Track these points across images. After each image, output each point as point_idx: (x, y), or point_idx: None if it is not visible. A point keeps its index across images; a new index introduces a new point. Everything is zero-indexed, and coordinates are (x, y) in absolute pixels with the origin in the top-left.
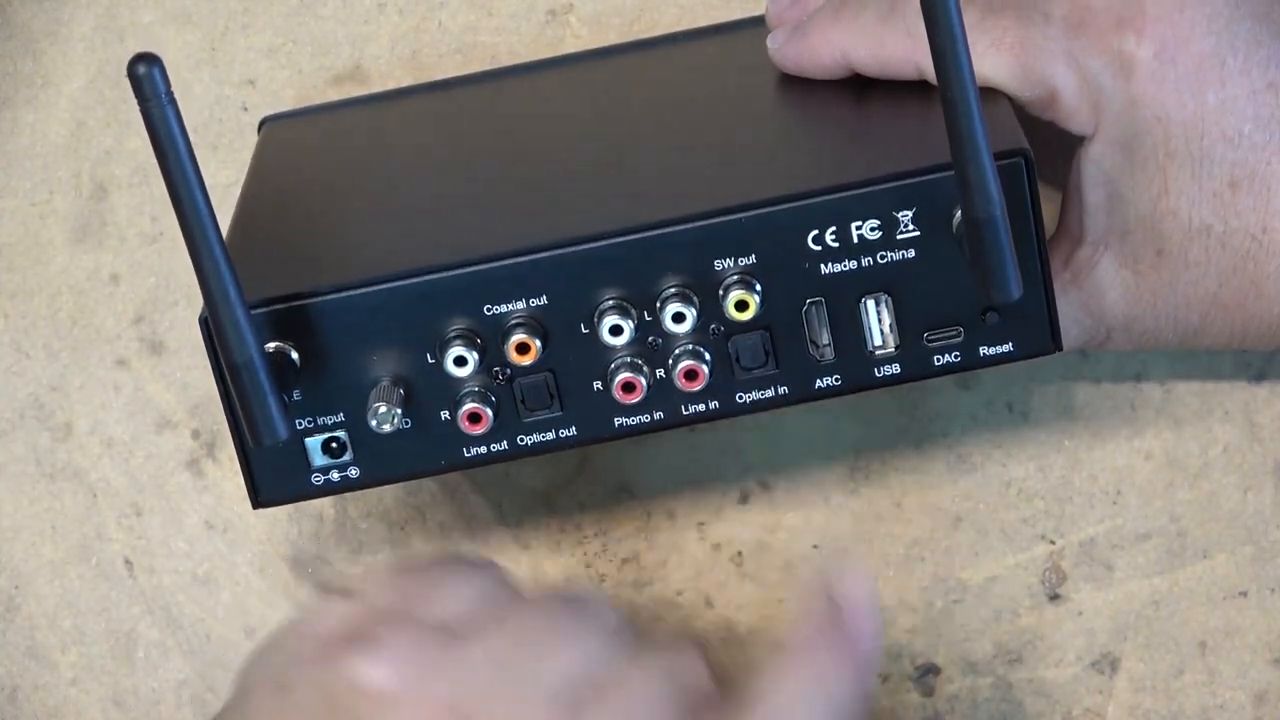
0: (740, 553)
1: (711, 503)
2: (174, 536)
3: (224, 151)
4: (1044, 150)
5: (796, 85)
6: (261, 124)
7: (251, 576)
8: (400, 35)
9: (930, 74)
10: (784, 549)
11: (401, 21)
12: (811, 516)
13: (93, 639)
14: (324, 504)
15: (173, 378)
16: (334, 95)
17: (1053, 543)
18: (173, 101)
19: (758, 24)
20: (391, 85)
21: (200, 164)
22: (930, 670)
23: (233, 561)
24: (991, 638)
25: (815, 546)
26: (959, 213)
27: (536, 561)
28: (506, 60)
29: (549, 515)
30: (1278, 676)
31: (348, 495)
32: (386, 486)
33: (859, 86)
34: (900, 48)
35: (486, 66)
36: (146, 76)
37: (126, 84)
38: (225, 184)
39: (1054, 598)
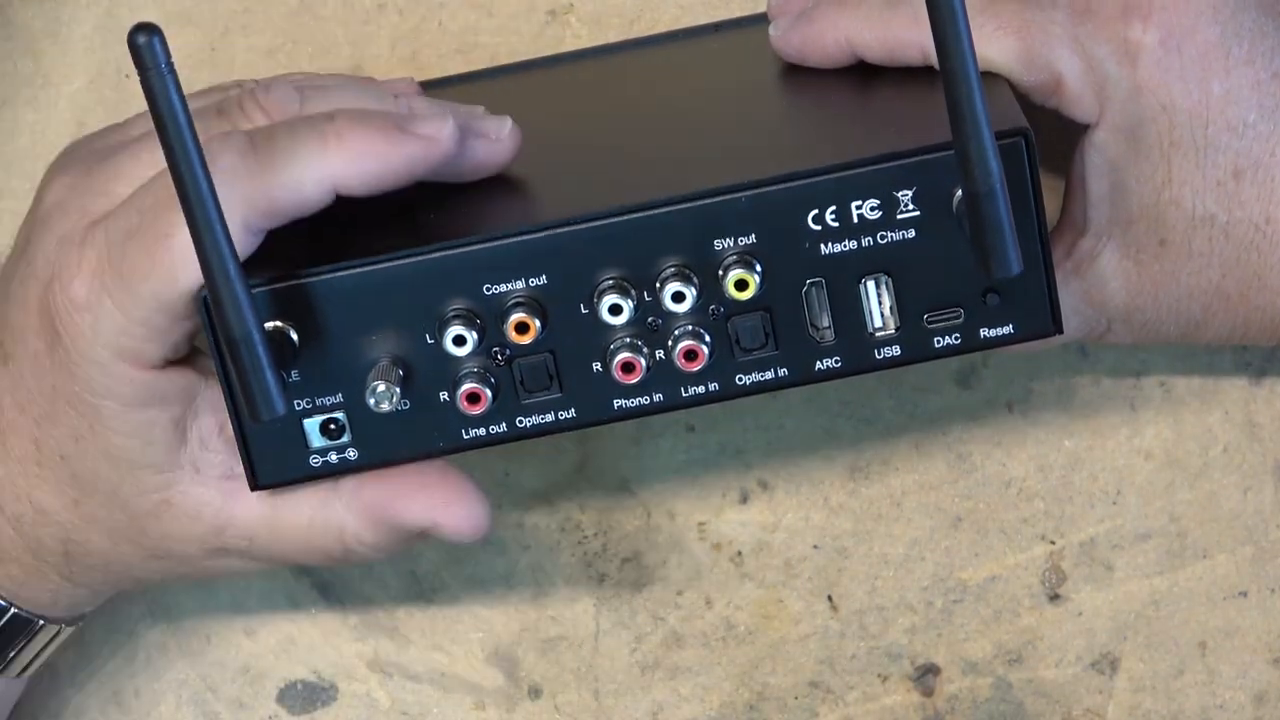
0: (740, 553)
1: (711, 503)
2: None
3: None
4: (1045, 145)
5: (798, 72)
6: None
7: (251, 576)
8: (400, 36)
9: (935, 58)
10: (784, 549)
11: (401, 22)
12: (811, 516)
13: (93, 639)
14: None
15: None
16: None
17: (1053, 543)
18: (173, 71)
19: (759, 20)
20: None
21: None
22: (930, 670)
23: None
24: (991, 638)
25: (815, 546)
26: (959, 192)
27: (536, 561)
28: (506, 61)
29: (549, 515)
30: (1278, 676)
31: None
32: None
33: (861, 73)
34: (906, 31)
35: (486, 67)
36: (147, 46)
37: (127, 84)
38: None
39: (1054, 598)
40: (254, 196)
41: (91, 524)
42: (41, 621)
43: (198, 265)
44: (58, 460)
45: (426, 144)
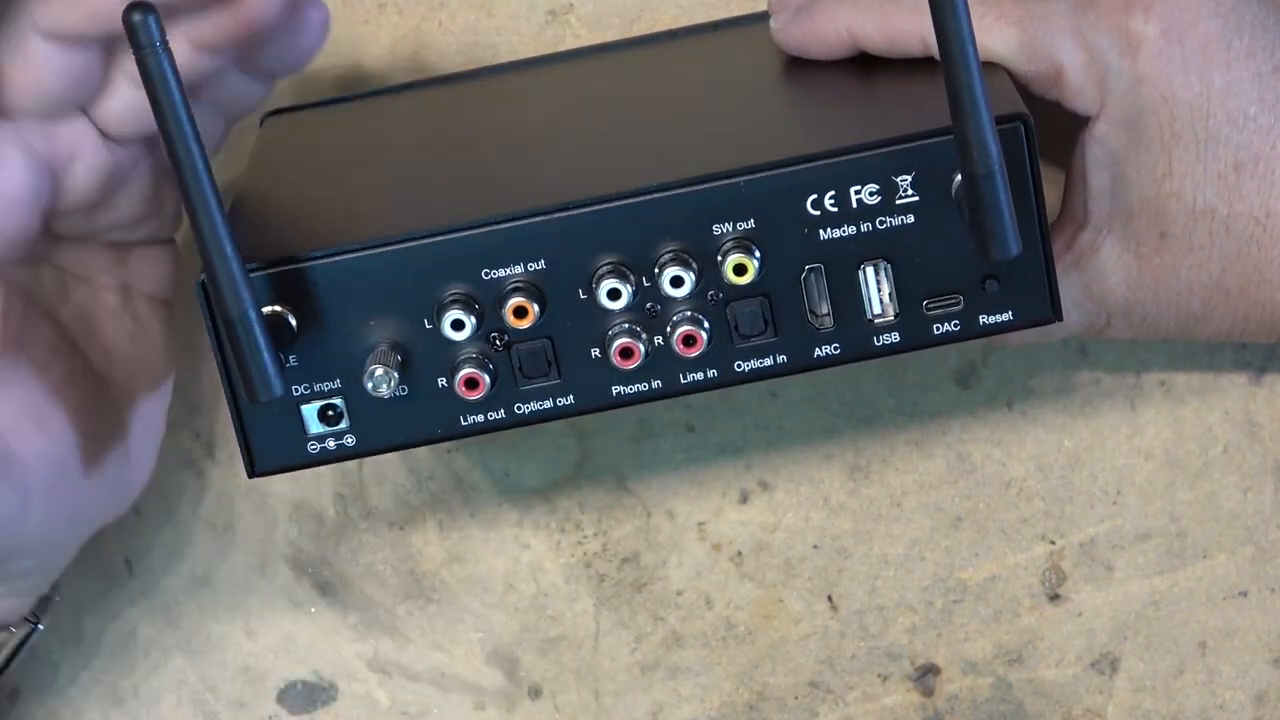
0: (740, 553)
1: (711, 503)
2: (174, 536)
3: (224, 151)
4: (1045, 139)
5: (799, 64)
6: (263, 120)
7: (251, 576)
8: (400, 35)
9: (936, 48)
10: (784, 549)
11: (401, 21)
12: (811, 516)
13: (93, 639)
14: (324, 504)
15: None
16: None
17: (1053, 543)
18: (168, 50)
19: (760, 19)
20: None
21: None
22: (930, 670)
23: (233, 561)
24: (991, 638)
25: (815, 546)
26: (958, 177)
27: (537, 561)
28: (506, 60)
29: (549, 515)
30: (1278, 676)
31: (347, 495)
32: (388, 486)
33: (862, 64)
34: (907, 22)
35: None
36: (142, 24)
37: None
38: (226, 183)
39: (1054, 598)
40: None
41: None
42: None
43: None
44: None
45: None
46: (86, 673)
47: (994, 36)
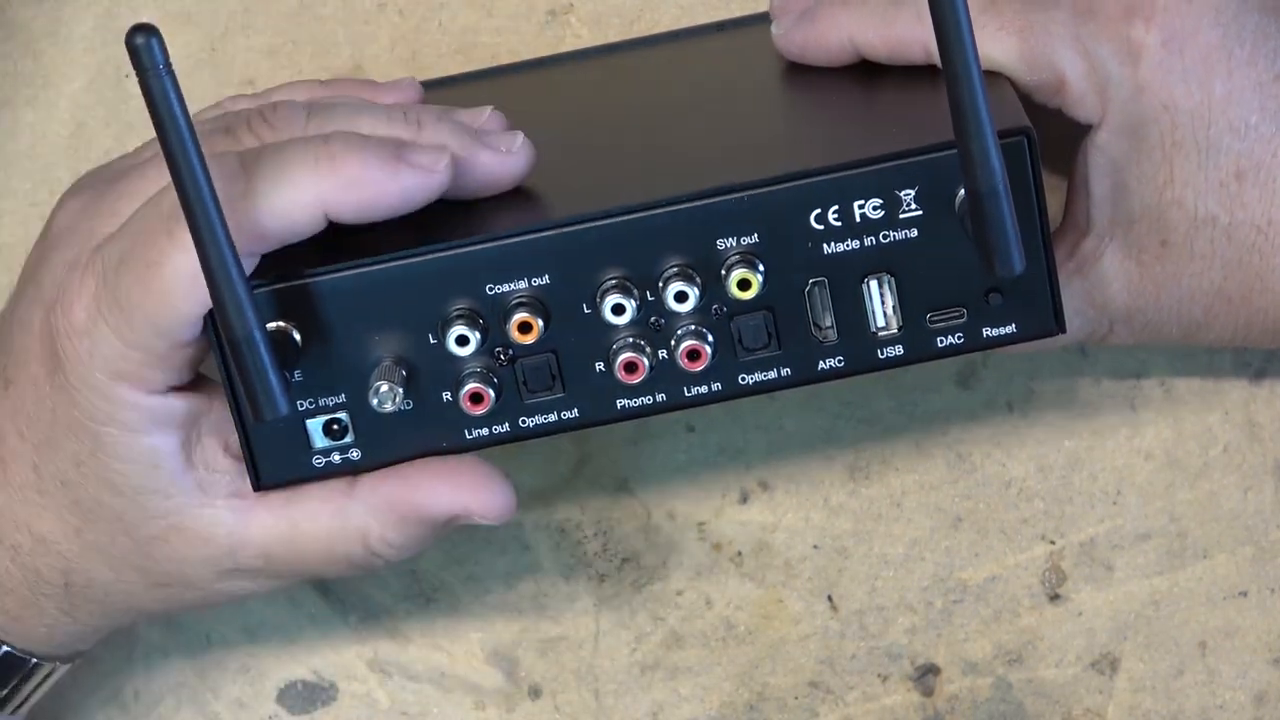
0: (740, 553)
1: (711, 503)
2: None
3: None
4: (1048, 146)
5: (801, 71)
6: None
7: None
8: (400, 36)
9: (938, 57)
10: (784, 549)
11: (401, 22)
12: (811, 516)
13: None
14: None
15: None
16: None
17: (1053, 543)
18: (171, 73)
19: (761, 20)
20: None
21: None
22: (930, 670)
23: None
24: (991, 638)
25: (815, 546)
26: (961, 191)
27: (536, 561)
28: (507, 61)
29: (549, 515)
30: (1278, 676)
31: None
32: None
33: (864, 72)
34: (910, 30)
35: (486, 66)
36: (145, 47)
37: (127, 84)
38: None
39: (1054, 598)
40: (242, 222)
41: (94, 553)
42: (34, 660)
43: (194, 291)
44: (58, 487)
45: (423, 175)
46: (86, 673)
47: (996, 46)
